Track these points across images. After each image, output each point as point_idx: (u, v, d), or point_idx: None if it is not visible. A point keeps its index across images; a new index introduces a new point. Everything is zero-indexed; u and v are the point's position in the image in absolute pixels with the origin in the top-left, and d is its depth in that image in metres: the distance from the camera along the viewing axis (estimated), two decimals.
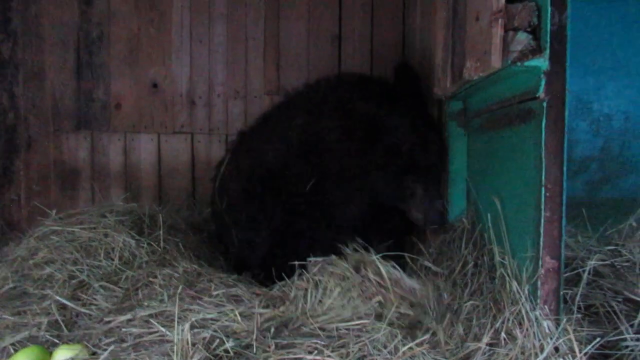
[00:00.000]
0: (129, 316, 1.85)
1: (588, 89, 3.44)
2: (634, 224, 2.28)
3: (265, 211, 2.54)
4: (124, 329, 1.79)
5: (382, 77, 2.80)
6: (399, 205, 2.41)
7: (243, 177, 2.65)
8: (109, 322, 1.87)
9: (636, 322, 1.78)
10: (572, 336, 1.46)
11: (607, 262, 2.11)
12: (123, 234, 2.38)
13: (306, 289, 1.91)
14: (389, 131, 2.30)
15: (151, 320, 1.75)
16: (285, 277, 2.07)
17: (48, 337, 1.88)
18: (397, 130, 2.31)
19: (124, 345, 1.73)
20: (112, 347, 1.68)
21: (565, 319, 1.54)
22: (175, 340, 1.47)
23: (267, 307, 1.87)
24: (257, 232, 2.58)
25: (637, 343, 1.71)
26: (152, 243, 2.40)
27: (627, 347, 1.71)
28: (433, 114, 2.54)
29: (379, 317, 1.80)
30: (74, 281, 2.16)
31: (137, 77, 3.55)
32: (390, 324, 1.75)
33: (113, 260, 2.27)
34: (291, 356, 1.59)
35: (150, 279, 2.08)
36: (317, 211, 2.41)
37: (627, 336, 1.73)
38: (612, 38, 3.36)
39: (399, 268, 2.02)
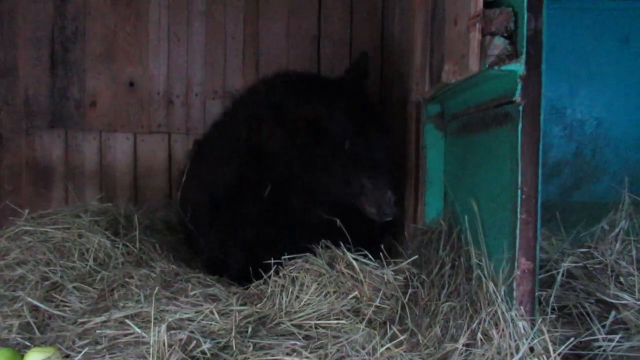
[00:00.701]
0: (103, 317, 1.82)
1: (562, 95, 3.52)
2: (606, 227, 2.33)
3: (232, 230, 2.57)
4: (98, 331, 1.75)
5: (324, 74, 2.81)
6: (354, 202, 2.40)
7: (204, 191, 2.68)
8: (83, 323, 1.83)
9: (608, 322, 1.83)
10: (546, 336, 1.49)
11: (579, 264, 2.15)
12: (98, 235, 2.34)
13: (283, 286, 1.91)
14: (328, 132, 2.33)
15: (127, 322, 1.72)
16: (263, 273, 2.07)
17: (19, 339, 1.85)
18: (336, 130, 2.33)
19: (99, 347, 1.70)
20: (86, 350, 1.64)
21: (540, 320, 1.57)
22: (152, 342, 1.45)
23: (244, 304, 1.87)
24: (227, 250, 2.61)
25: (609, 343, 1.76)
26: (128, 244, 2.36)
27: (599, 347, 1.75)
28: (411, 115, 2.56)
29: (356, 312, 1.82)
30: (46, 282, 2.11)
31: (113, 75, 3.50)
32: (368, 323, 1.76)
33: (87, 261, 2.23)
34: (269, 357, 1.58)
35: (127, 279, 2.05)
36: (282, 219, 2.44)
37: (599, 337, 1.77)
38: (585, 45, 3.44)
39: (372, 259, 2.04)
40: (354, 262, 1.99)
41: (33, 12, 3.42)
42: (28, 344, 1.82)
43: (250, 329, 1.74)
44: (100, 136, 3.51)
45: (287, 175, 2.39)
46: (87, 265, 2.20)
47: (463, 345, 1.58)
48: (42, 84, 3.46)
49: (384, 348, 1.61)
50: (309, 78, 2.66)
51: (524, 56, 1.56)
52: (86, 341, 1.74)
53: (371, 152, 2.37)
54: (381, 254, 2.10)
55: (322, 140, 2.32)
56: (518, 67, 1.56)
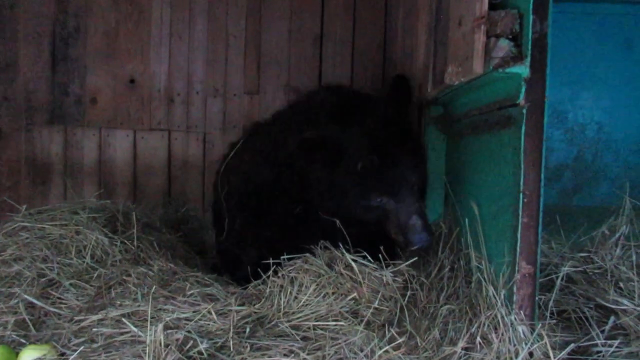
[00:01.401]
0: (100, 316, 1.81)
1: (563, 99, 3.52)
2: (606, 231, 2.32)
3: (256, 224, 2.55)
4: (94, 329, 1.74)
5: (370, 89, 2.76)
6: (381, 226, 2.29)
7: (242, 178, 2.66)
8: (79, 321, 1.82)
9: (607, 328, 1.82)
10: (547, 341, 1.47)
11: (579, 269, 2.14)
12: (95, 232, 2.32)
13: (281, 286, 1.90)
14: (342, 153, 2.23)
15: (123, 320, 1.71)
16: (262, 273, 2.05)
17: (14, 337, 1.82)
18: (349, 150, 2.23)
19: (95, 345, 1.68)
20: (81, 348, 1.63)
21: (539, 325, 1.56)
22: (148, 341, 1.43)
23: (242, 304, 1.85)
24: (245, 242, 2.60)
25: (608, 349, 1.74)
26: (126, 241, 2.34)
27: (598, 352, 1.74)
28: (413, 118, 2.55)
29: (355, 314, 1.80)
30: (43, 279, 2.09)
31: (114, 71, 3.48)
32: (367, 325, 1.75)
33: (85, 258, 2.20)
34: (267, 358, 1.57)
35: (124, 277, 2.03)
36: (305, 229, 2.39)
37: (598, 342, 1.76)
38: (587, 50, 3.44)
39: (371, 260, 2.02)
40: (353, 264, 1.97)
41: (34, 8, 3.40)
42: (23, 341, 1.79)
43: (248, 330, 1.73)
44: (100, 133, 3.50)
45: (313, 193, 2.34)
46: (84, 262, 2.18)
47: (462, 349, 1.57)
48: (43, 80, 3.45)
49: (382, 350, 1.60)
50: (346, 96, 2.51)
51: (528, 59, 1.55)
52: (82, 339, 1.72)
53: (392, 173, 2.23)
54: (380, 255, 2.09)
55: (338, 161, 2.24)
56: (523, 69, 1.56)
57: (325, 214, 2.30)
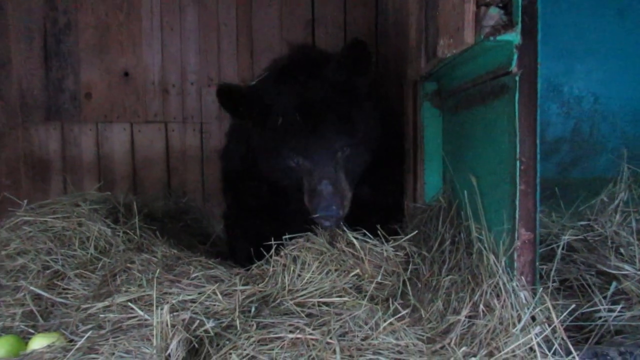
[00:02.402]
0: (106, 302, 1.82)
1: (558, 72, 3.50)
2: (606, 199, 2.33)
3: (237, 211, 2.63)
4: (101, 315, 1.76)
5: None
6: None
7: (222, 163, 2.76)
8: (86, 309, 1.84)
9: (609, 293, 1.83)
10: (549, 304, 1.49)
11: (580, 237, 2.15)
12: (98, 223, 2.34)
13: (285, 265, 1.91)
14: (272, 107, 2.16)
15: (130, 305, 1.73)
16: (264, 252, 2.06)
17: (23, 327, 1.85)
18: (279, 104, 2.14)
19: (102, 331, 1.70)
20: (89, 334, 1.65)
21: (541, 289, 1.57)
22: (155, 323, 1.45)
23: (246, 284, 1.87)
24: (233, 230, 2.69)
25: (610, 314, 1.76)
26: (129, 231, 2.36)
27: (600, 317, 1.76)
28: (407, 94, 2.55)
29: (358, 289, 1.82)
30: (48, 271, 2.12)
31: (107, 65, 3.48)
32: (371, 299, 1.76)
33: (88, 249, 2.23)
34: (272, 335, 1.58)
35: (128, 264, 2.05)
36: (286, 214, 2.41)
37: (601, 307, 1.77)
38: (581, 21, 3.43)
39: (371, 237, 2.03)
40: (355, 240, 1.98)
41: (24, 4, 3.40)
42: (32, 331, 1.82)
43: (253, 309, 1.74)
44: (96, 127, 3.50)
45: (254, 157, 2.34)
46: (88, 253, 2.20)
47: (465, 317, 1.58)
48: (36, 77, 3.45)
49: (387, 323, 1.61)
50: (303, 56, 2.48)
51: (519, 26, 1.55)
52: (90, 326, 1.74)
53: (312, 134, 2.09)
54: (379, 232, 2.10)
55: (265, 117, 2.17)
56: (514, 36, 1.56)
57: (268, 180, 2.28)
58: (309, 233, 2.05)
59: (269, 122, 2.16)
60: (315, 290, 1.80)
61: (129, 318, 1.71)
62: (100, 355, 1.55)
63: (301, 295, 1.78)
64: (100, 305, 1.82)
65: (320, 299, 1.76)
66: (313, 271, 1.85)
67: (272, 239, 2.05)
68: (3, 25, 3.39)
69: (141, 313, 1.65)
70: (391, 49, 3.03)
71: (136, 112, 3.52)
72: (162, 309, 1.48)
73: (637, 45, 3.36)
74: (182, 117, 3.55)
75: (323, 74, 2.23)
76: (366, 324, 1.64)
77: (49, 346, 1.62)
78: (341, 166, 2.14)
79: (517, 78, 1.58)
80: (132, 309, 1.70)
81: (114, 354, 1.54)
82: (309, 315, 1.72)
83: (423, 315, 1.71)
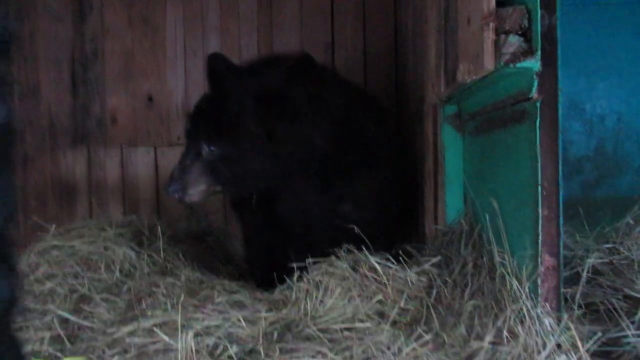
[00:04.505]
0: (132, 327, 1.85)
1: (580, 91, 3.49)
2: (632, 221, 2.30)
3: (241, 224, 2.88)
4: (127, 340, 1.78)
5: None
6: None
7: None
8: (112, 333, 1.86)
9: (637, 318, 1.80)
10: (574, 332, 1.47)
11: (605, 260, 2.13)
12: (123, 246, 2.38)
13: (307, 290, 1.92)
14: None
15: (155, 330, 1.75)
16: (287, 279, 2.08)
17: (51, 351, 1.88)
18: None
19: (128, 356, 1.73)
20: (115, 358, 1.68)
21: (566, 316, 1.56)
22: (180, 348, 1.47)
23: (270, 310, 1.88)
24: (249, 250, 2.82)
25: (638, 339, 1.73)
26: (153, 254, 2.40)
27: (628, 343, 1.73)
28: (428, 116, 2.56)
29: (381, 315, 1.82)
30: (75, 295, 2.16)
31: (132, 91, 3.57)
32: (393, 324, 1.76)
33: (114, 272, 2.26)
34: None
35: (153, 288, 2.08)
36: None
37: (629, 332, 1.74)
38: (602, 41, 3.42)
39: (393, 261, 2.03)
40: (377, 265, 1.98)
41: (53, 33, 3.51)
42: (59, 354, 1.85)
43: (276, 335, 1.76)
44: (121, 151, 3.58)
45: None
46: (113, 276, 2.24)
47: (489, 343, 1.57)
48: (64, 103, 3.55)
49: (410, 348, 1.61)
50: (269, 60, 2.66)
51: (539, 52, 1.56)
52: (115, 350, 1.77)
53: (193, 122, 2.43)
54: (401, 257, 2.10)
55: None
56: (533, 63, 1.57)
57: None
58: (332, 257, 2.06)
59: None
60: (338, 316, 1.80)
61: (154, 342, 1.73)
62: None
63: (324, 322, 1.78)
64: (125, 329, 1.85)
65: (343, 325, 1.76)
66: (336, 297, 1.85)
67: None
68: (34, 54, 3.51)
69: (166, 338, 1.68)
70: (410, 72, 3.06)
71: (160, 135, 3.59)
72: (186, 334, 1.51)
73: None
74: None
75: (257, 75, 2.41)
76: (389, 348, 1.64)
77: None
78: (206, 162, 2.34)
79: (537, 104, 1.59)
80: (157, 333, 1.73)
81: None
82: (331, 340, 1.73)
83: (446, 341, 1.70)
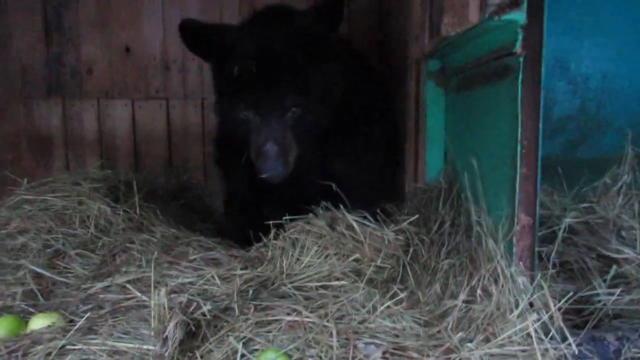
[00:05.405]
0: (106, 283, 1.83)
1: (565, 49, 3.42)
2: (609, 181, 2.30)
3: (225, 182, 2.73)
4: (101, 296, 1.77)
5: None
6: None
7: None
8: (86, 289, 1.85)
9: (609, 277, 1.82)
10: (546, 291, 1.48)
11: (581, 220, 2.13)
12: (98, 202, 2.33)
13: (283, 248, 1.90)
14: (232, 50, 2.11)
15: (128, 286, 1.73)
16: (262, 237, 2.06)
17: (24, 306, 1.86)
18: (239, 49, 2.08)
19: (102, 312, 1.71)
20: (88, 314, 1.66)
21: (539, 275, 1.56)
22: (152, 305, 1.45)
23: (245, 268, 1.87)
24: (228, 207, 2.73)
25: (609, 297, 1.75)
26: (129, 210, 2.35)
27: (599, 301, 1.75)
28: (411, 72, 2.50)
29: (358, 273, 1.81)
30: (49, 250, 2.12)
31: (108, 40, 3.44)
32: (369, 282, 1.76)
33: (89, 228, 2.22)
34: (270, 318, 1.59)
35: (128, 245, 2.05)
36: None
37: (600, 291, 1.77)
38: None
39: (371, 220, 2.02)
40: (355, 224, 1.97)
41: None
42: (32, 310, 1.83)
43: (251, 292, 1.75)
44: (98, 103, 3.48)
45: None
46: (88, 232, 2.20)
47: (463, 302, 1.58)
48: (37, 52, 3.41)
49: (384, 306, 1.61)
50: (277, 11, 2.39)
51: (525, 4, 1.51)
52: (89, 306, 1.75)
53: (265, 88, 2.02)
54: (379, 216, 2.09)
55: (223, 60, 2.12)
56: (519, 16, 1.51)
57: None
58: (310, 215, 2.04)
59: (226, 68, 2.11)
60: (314, 274, 1.80)
61: (128, 299, 1.72)
62: (99, 336, 1.56)
63: (300, 279, 1.78)
64: (100, 285, 1.83)
65: (318, 283, 1.76)
66: (312, 255, 1.84)
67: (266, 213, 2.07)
68: (3, 1, 3.34)
69: (139, 295, 1.66)
70: (394, 25, 2.97)
71: (137, 88, 3.49)
72: (159, 292, 1.49)
73: None
74: (183, 93, 3.52)
75: (292, 24, 2.17)
76: (364, 307, 1.64)
77: (48, 326, 1.63)
78: (290, 126, 2.11)
79: (521, 59, 1.54)
80: (130, 290, 1.71)
81: (112, 334, 1.56)
82: (307, 298, 1.73)
83: (421, 299, 1.71)
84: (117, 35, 3.44)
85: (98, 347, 1.48)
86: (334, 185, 2.10)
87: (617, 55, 3.42)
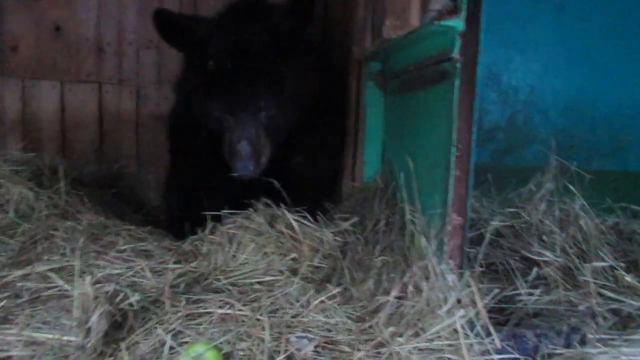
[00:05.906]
0: (25, 271, 1.73)
1: (498, 61, 3.59)
2: (533, 188, 2.43)
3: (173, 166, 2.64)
4: (19, 284, 1.66)
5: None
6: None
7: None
8: (3, 277, 1.73)
9: (530, 278, 1.92)
10: (474, 288, 1.54)
11: (507, 224, 2.24)
12: (19, 185, 2.19)
13: (220, 244, 1.86)
14: (206, 44, 2.10)
15: (50, 275, 1.64)
16: (198, 231, 2.01)
17: None
18: (214, 44, 2.07)
19: (19, 300, 1.61)
20: (3, 302, 1.56)
21: (468, 273, 1.62)
22: (75, 294, 1.38)
23: (178, 262, 1.81)
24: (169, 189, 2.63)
25: (530, 297, 1.85)
26: (53, 196, 2.23)
27: (521, 301, 1.84)
28: (352, 73, 2.53)
29: (294, 272, 1.80)
30: None
31: (36, 17, 3.24)
32: (304, 279, 1.76)
33: (7, 212, 2.09)
34: (201, 310, 1.55)
35: (51, 232, 1.94)
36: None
37: (522, 291, 1.86)
38: (522, 13, 3.51)
39: (311, 219, 2.02)
40: (294, 223, 1.94)
41: None
42: None
43: (182, 286, 1.70)
44: (22, 83, 3.27)
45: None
46: (7, 216, 2.06)
47: (394, 298, 1.61)
48: None
49: (318, 301, 1.62)
50: (252, 5, 2.36)
51: (464, 12, 1.56)
52: (6, 294, 1.64)
53: (238, 88, 2.02)
54: (318, 217, 2.09)
55: (197, 53, 2.10)
56: (458, 23, 1.57)
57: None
58: (249, 210, 2.00)
59: (200, 61, 2.09)
60: (250, 271, 1.77)
61: (49, 288, 1.63)
62: (15, 326, 1.47)
63: (235, 276, 1.74)
64: (18, 273, 1.72)
65: (254, 280, 1.73)
66: (249, 252, 1.81)
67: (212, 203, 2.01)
68: None
69: (61, 283, 1.58)
70: (338, 25, 3.00)
71: (68, 70, 3.31)
72: (83, 280, 1.42)
73: (573, 40, 3.49)
74: (117, 78, 3.37)
75: (267, 20, 2.16)
76: (297, 301, 1.64)
77: None
78: (264, 125, 2.11)
79: (458, 65, 1.60)
80: (52, 278, 1.62)
81: (29, 324, 1.47)
82: (241, 292, 1.70)
83: (354, 295, 1.73)
84: (47, 12, 3.25)
85: (13, 337, 1.38)
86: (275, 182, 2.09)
87: (543, 70, 3.63)
